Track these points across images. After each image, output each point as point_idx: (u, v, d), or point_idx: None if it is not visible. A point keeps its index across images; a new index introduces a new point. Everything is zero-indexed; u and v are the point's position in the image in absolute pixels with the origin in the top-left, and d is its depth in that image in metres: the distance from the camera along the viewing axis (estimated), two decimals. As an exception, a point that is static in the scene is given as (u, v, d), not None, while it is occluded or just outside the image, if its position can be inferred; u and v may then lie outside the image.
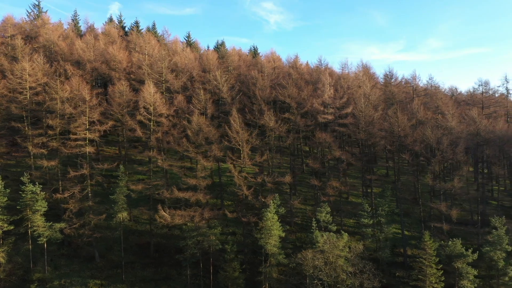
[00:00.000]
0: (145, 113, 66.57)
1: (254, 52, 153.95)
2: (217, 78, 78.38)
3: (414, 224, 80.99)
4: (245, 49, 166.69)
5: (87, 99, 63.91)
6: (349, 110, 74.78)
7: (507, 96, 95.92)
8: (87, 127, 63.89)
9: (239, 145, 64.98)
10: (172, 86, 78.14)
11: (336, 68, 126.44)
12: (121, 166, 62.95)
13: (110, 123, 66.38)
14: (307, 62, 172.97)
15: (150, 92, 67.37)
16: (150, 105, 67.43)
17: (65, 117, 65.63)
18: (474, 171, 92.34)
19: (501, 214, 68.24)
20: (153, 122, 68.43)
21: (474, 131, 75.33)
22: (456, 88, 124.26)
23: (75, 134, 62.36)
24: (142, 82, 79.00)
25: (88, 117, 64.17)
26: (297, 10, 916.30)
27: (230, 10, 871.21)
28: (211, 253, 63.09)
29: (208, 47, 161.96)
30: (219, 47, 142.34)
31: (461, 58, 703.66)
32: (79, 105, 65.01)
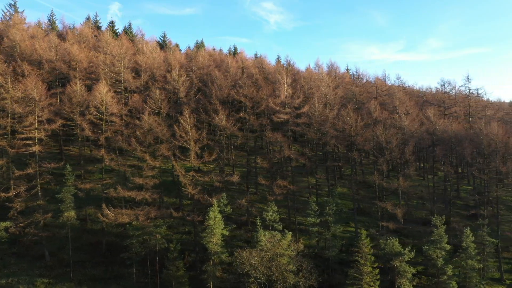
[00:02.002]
0: (95, 112, 67.04)
1: (234, 52, 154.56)
2: (174, 78, 78.79)
3: (372, 223, 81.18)
4: (242, 50, 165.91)
5: (36, 99, 64.38)
6: (305, 109, 75.01)
7: (468, 96, 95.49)
8: (37, 126, 64.37)
9: (188, 144, 65.39)
10: (130, 85, 78.63)
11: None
12: (67, 166, 63.44)
13: (59, 122, 66.85)
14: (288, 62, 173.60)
15: (101, 92, 67.84)
16: (102, 105, 67.89)
17: (16, 116, 66.18)
18: (444, 171, 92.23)
19: (442, 213, 68.38)
20: (104, 122, 68.85)
21: (430, 130, 75.36)
22: (431, 88, 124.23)
23: (23, 133, 62.85)
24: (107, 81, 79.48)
25: (38, 116, 64.65)
26: (297, 10, 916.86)
27: (230, 10, 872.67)
28: (157, 251, 63.52)
29: (189, 47, 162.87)
30: (198, 47, 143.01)
31: (461, 58, 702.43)
32: (29, 105, 65.48)
